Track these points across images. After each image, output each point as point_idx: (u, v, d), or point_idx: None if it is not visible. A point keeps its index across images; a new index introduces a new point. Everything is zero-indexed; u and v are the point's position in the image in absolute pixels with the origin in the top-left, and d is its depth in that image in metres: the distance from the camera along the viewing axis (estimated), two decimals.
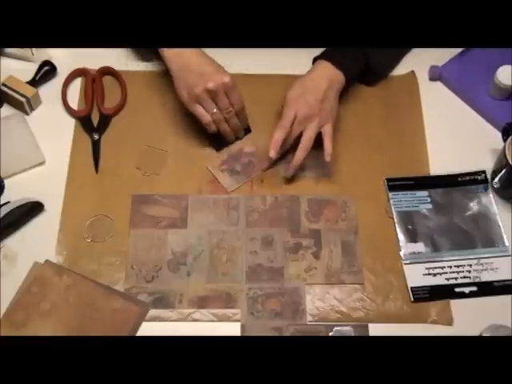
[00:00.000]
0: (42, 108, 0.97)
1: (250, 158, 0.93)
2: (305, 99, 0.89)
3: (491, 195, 0.92)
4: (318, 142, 0.91)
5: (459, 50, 1.02)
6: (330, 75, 0.91)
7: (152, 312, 0.83)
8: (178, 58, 0.88)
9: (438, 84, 1.02)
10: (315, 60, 0.94)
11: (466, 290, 0.86)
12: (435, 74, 1.01)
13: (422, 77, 1.02)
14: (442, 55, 1.02)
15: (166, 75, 0.94)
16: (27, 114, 0.96)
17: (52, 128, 0.95)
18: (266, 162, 0.92)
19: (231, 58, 1.00)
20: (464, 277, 0.86)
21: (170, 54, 0.89)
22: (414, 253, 0.88)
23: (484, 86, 0.99)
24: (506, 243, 0.89)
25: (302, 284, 0.85)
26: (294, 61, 0.99)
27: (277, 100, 0.95)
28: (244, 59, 1.01)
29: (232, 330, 0.82)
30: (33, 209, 0.87)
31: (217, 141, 0.94)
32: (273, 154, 0.88)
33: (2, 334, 0.79)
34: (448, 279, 0.86)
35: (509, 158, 0.86)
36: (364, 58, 0.94)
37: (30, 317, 0.81)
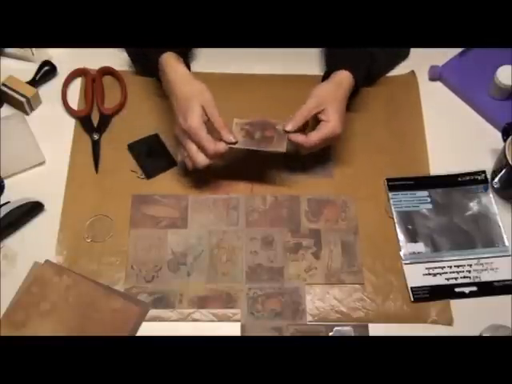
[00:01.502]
0: (41, 108, 0.97)
1: (274, 134, 0.88)
2: (342, 115, 0.88)
3: (491, 195, 0.92)
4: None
5: (459, 49, 1.02)
6: (349, 88, 0.90)
7: (152, 312, 0.83)
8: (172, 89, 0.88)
9: (438, 84, 1.02)
10: (335, 66, 0.91)
11: (466, 290, 0.86)
12: (435, 74, 1.01)
13: (422, 77, 1.02)
14: (442, 55, 1.02)
15: None
16: (27, 114, 0.96)
17: (52, 128, 0.95)
18: (283, 146, 0.87)
19: (231, 58, 1.00)
20: (464, 277, 0.86)
21: (166, 88, 0.89)
22: (414, 253, 0.88)
23: (484, 86, 0.99)
24: (506, 243, 0.89)
25: (302, 284, 0.85)
26: (298, 61, 1.00)
27: (273, 100, 0.97)
28: (247, 59, 1.01)
29: (232, 329, 0.82)
30: (33, 209, 0.87)
31: (148, 168, 0.92)
32: (289, 126, 0.86)
33: (2, 334, 0.79)
34: (448, 279, 0.86)
35: (509, 158, 0.86)
36: (367, 69, 0.94)
37: (30, 317, 0.81)
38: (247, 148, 0.86)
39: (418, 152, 0.96)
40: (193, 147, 0.85)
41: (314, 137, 0.86)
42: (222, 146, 0.85)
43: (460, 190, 0.92)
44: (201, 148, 0.85)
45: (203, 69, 1.00)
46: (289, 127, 0.86)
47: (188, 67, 0.93)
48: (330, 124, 0.86)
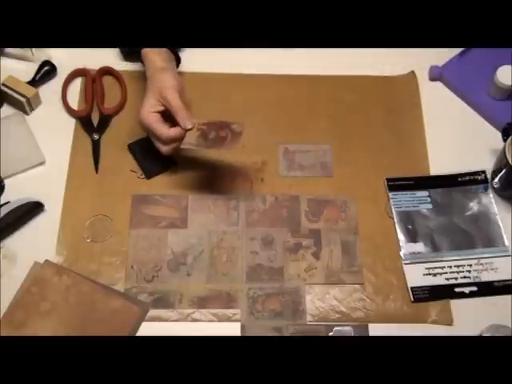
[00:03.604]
0: (41, 108, 0.97)
1: (228, 133, 0.86)
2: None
3: (491, 195, 0.92)
4: (318, 139, 0.92)
5: (459, 49, 1.02)
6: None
7: (152, 312, 0.83)
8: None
9: (438, 84, 1.01)
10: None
11: (466, 290, 0.86)
12: (435, 74, 1.01)
13: (422, 77, 1.02)
14: (442, 55, 1.02)
15: None
16: (27, 113, 0.96)
17: (52, 128, 0.95)
18: (236, 146, 0.86)
19: (231, 58, 1.00)
20: (464, 277, 0.86)
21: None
22: (414, 253, 0.88)
23: (484, 86, 0.98)
24: (506, 243, 0.89)
25: (302, 284, 0.85)
26: (298, 61, 1.00)
27: (273, 100, 0.97)
28: (247, 59, 1.01)
29: (232, 330, 0.82)
30: (33, 209, 0.87)
31: (148, 168, 0.92)
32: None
33: (2, 334, 0.79)
34: (448, 279, 0.86)
35: (509, 158, 0.86)
36: None
37: (29, 317, 0.81)
38: (199, 148, 0.86)
39: (418, 152, 0.96)
40: (152, 138, 0.87)
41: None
42: (173, 132, 0.84)
43: (460, 190, 0.92)
44: (156, 137, 0.86)
45: (203, 69, 1.00)
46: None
47: (177, 57, 0.93)
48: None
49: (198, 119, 0.86)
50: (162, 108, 0.86)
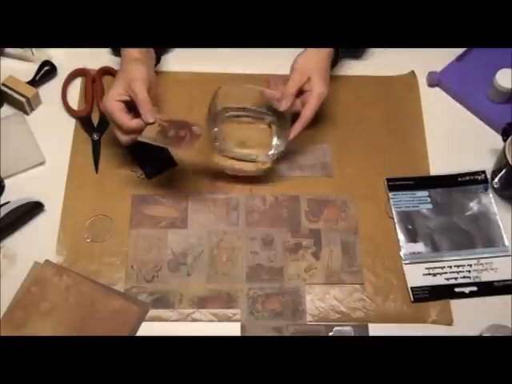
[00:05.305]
0: (41, 108, 0.97)
1: (187, 133, 0.84)
2: (325, 79, 0.88)
3: (491, 195, 0.92)
4: (318, 139, 0.92)
5: (457, 54, 1.02)
6: (328, 51, 0.91)
7: (152, 312, 0.83)
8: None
9: (437, 89, 1.01)
10: None
11: (466, 290, 0.86)
12: (434, 80, 1.00)
13: (421, 83, 1.01)
14: (439, 61, 1.01)
15: (165, 75, 0.94)
16: (27, 113, 0.96)
17: (52, 128, 0.95)
18: (192, 148, 0.84)
19: (231, 58, 1.00)
20: (464, 277, 0.86)
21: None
22: (414, 253, 0.88)
23: (483, 90, 0.98)
24: (506, 243, 0.89)
25: (302, 284, 0.86)
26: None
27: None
28: (243, 59, 1.01)
29: (232, 330, 0.82)
30: (33, 209, 0.87)
31: (148, 168, 0.93)
32: (284, 106, 0.87)
33: (2, 334, 0.79)
34: (448, 279, 0.86)
35: (509, 158, 0.86)
36: None
37: (29, 317, 0.81)
38: (156, 143, 0.84)
39: (418, 152, 0.96)
40: (113, 126, 0.85)
41: (308, 111, 0.87)
42: (134, 123, 0.83)
43: (460, 190, 0.92)
44: (117, 126, 0.84)
45: (203, 69, 1.00)
46: (283, 107, 0.86)
47: (158, 57, 0.93)
48: (315, 93, 0.86)
49: (161, 115, 0.84)
50: (127, 98, 0.84)
